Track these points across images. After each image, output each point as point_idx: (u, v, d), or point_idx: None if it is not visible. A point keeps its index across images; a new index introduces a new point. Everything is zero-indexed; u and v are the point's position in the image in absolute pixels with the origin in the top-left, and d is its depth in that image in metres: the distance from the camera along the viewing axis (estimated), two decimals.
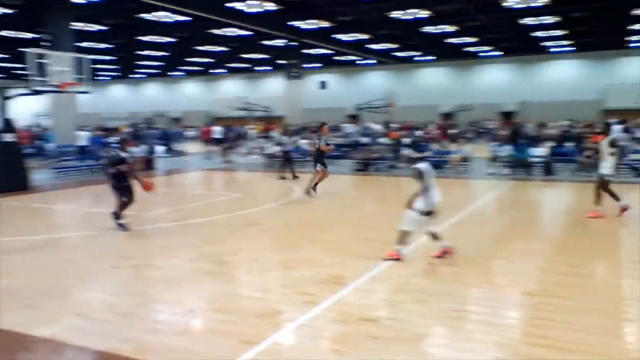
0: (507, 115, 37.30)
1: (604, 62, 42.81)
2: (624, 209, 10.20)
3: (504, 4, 25.01)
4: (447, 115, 46.15)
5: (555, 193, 14.35)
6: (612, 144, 10.21)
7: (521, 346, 4.70)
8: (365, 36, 34.19)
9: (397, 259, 6.99)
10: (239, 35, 32.65)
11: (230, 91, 52.51)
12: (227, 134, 26.19)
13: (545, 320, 5.22)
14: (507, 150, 18.09)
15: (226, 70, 54.95)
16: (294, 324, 5.21)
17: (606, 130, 10.92)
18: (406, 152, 7.23)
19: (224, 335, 5.00)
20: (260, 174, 19.56)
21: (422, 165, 6.87)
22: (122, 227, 9.38)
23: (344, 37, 34.41)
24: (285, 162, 17.90)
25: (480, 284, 6.42)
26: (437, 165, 19.23)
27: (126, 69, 52.84)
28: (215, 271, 7.09)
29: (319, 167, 13.37)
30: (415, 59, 46.22)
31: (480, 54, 43.88)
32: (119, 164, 9.32)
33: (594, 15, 27.78)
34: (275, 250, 8.29)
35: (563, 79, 43.66)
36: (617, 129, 24.27)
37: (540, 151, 18.21)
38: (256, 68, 52.70)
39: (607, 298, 5.81)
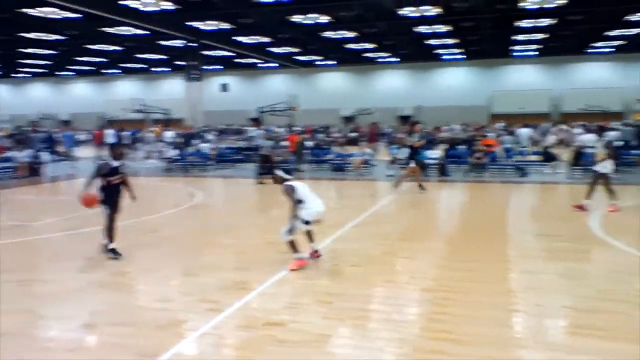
0: (406, 119, 38.88)
1: (492, 69, 45.95)
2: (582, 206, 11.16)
3: (401, 12, 26.07)
4: (348, 119, 47.34)
5: (450, 193, 15.12)
6: (608, 146, 11.40)
7: (422, 341, 4.87)
8: (266, 39, 34.17)
9: (304, 266, 6.98)
10: (134, 35, 31.36)
11: (125, 92, 50.33)
12: (122, 138, 25.01)
13: (443, 315, 5.45)
14: (404, 152, 18.79)
15: (120, 71, 52.57)
16: (197, 333, 5.04)
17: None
18: (277, 172, 7.27)
19: (122, 350, 4.72)
20: (159, 179, 18.84)
21: (292, 183, 7.00)
22: (114, 253, 7.73)
23: (244, 39, 34.16)
24: (265, 165, 17.54)
25: (382, 282, 6.59)
26: (340, 168, 19.68)
27: (8, 67, 48.92)
28: (110, 282, 6.70)
29: (412, 163, 14.33)
30: (317, 63, 46.93)
31: (379, 60, 45.45)
32: (111, 174, 7.77)
33: (482, 26, 29.72)
34: (176, 257, 7.99)
35: (455, 85, 46.35)
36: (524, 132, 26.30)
37: (435, 153, 19.12)
38: (153, 69, 50.91)
39: (497, 291, 6.18)
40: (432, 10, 25.79)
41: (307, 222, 6.96)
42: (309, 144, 24.29)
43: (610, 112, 38.36)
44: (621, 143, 19.79)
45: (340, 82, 50.17)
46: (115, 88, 55.19)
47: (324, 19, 27.80)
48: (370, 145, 23.84)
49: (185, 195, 14.51)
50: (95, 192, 7.70)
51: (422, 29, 30.82)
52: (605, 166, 11.06)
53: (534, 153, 20.80)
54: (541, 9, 25.43)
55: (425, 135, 21.47)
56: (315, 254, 7.35)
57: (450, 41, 35.75)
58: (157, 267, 7.38)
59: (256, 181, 17.03)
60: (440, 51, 40.64)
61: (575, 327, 5.16)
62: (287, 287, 6.40)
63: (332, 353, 4.76)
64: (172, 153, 21.95)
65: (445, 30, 31.12)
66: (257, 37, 33.66)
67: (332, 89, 49.66)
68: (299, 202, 6.89)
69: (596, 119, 37.52)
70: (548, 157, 18.97)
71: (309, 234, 7.27)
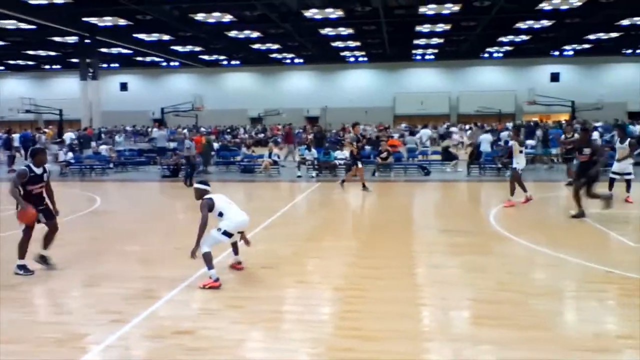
0: (313, 120, 39.29)
1: (395, 72, 47.62)
2: (528, 199, 11.92)
3: (306, 14, 26.30)
4: (256, 120, 47.05)
5: (358, 192, 15.43)
6: (522, 144, 12.35)
7: (334, 339, 4.89)
8: (167, 37, 33.13)
9: (216, 287, 6.49)
10: (20, 29, 29.15)
11: (12, 91, 46.66)
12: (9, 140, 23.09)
13: (355, 313, 5.52)
14: (313, 153, 19.01)
15: (4, 68, 48.71)
16: (100, 347, 4.73)
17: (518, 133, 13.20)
18: (196, 185, 6.97)
19: None
20: (53, 184, 17.59)
21: (211, 197, 6.69)
22: (25, 270, 6.99)
23: (145, 36, 32.93)
24: (189, 168, 16.84)
25: (294, 283, 6.56)
26: (248, 169, 19.48)
27: None
28: (2, 297, 6.14)
29: (359, 164, 14.66)
30: (222, 62, 46.22)
31: (286, 61, 45.58)
32: (32, 182, 6.94)
33: (383, 30, 30.69)
34: (76, 267, 7.48)
35: (361, 86, 47.53)
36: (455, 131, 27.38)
37: (343, 154, 19.46)
38: (45, 66, 47.70)
39: (405, 287, 6.36)
40: (335, 13, 26.27)
41: (229, 235, 6.65)
42: (216, 145, 23.87)
43: (504, 113, 41.05)
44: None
45: (247, 83, 49.77)
46: (1, 86, 51.08)
47: (227, 17, 27.42)
48: (287, 147, 23.92)
49: (84, 201, 13.69)
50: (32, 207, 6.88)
51: (327, 31, 31.32)
52: (519, 162, 11.89)
53: (435, 152, 21.80)
54: (438, 15, 26.70)
55: (332, 135, 21.79)
56: (237, 266, 7.10)
57: (353, 44, 36.63)
58: (54, 278, 6.87)
59: (186, 184, 16.22)
60: (345, 53, 41.54)
61: (478, 318, 5.41)
62: (197, 294, 6.20)
63: (245, 358, 4.66)
64: (68, 156, 20.65)
65: (348, 33, 31.82)
66: (159, 35, 32.56)
67: (238, 89, 49.13)
68: (219, 214, 6.60)
69: (491, 120, 40.06)
70: (448, 156, 19.94)
71: (234, 245, 7.04)
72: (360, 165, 14.65)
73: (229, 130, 38.96)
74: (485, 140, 19.57)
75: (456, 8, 25.17)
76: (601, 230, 9.17)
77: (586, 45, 38.22)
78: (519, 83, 42.63)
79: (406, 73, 47.73)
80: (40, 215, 7.03)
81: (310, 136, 24.28)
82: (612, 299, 5.91)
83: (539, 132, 23.22)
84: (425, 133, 27.84)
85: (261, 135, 38.15)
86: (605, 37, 34.20)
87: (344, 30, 31.12)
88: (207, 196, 6.66)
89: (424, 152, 22.08)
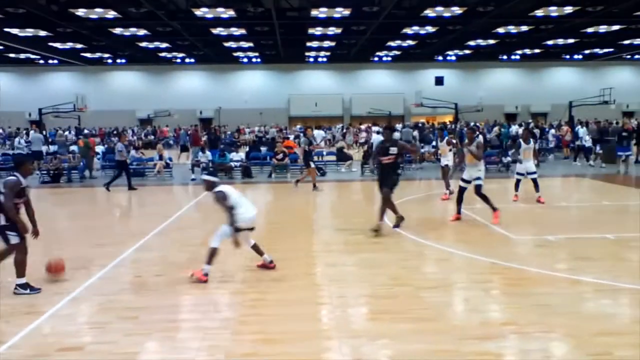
0: (209, 122, 38.45)
1: (289, 73, 47.87)
2: (447, 197, 12.48)
3: (196, 12, 25.65)
4: (145, 121, 45.16)
5: (255, 194, 15.31)
6: (449, 142, 12.71)
7: (234, 345, 4.78)
8: (45, 33, 30.83)
9: (205, 281, 6.38)
10: None
11: None
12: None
13: (254, 316, 5.44)
14: (207, 155, 18.57)
15: None
16: None
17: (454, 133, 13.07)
18: (204, 177, 6.79)
19: None
20: None
21: (223, 188, 6.55)
22: (32, 288, 6.21)
23: (18, 31, 30.40)
24: (122, 173, 15.50)
25: (189, 290, 6.33)
26: (138, 172, 18.62)
27: None
28: None
29: (312, 164, 15.24)
30: (107, 61, 43.81)
31: (176, 60, 44.16)
32: (19, 196, 6.14)
33: (276, 31, 30.72)
34: None
35: (255, 87, 47.21)
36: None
37: (238, 156, 19.24)
38: None
39: (304, 286, 6.38)
40: (226, 13, 25.89)
41: (239, 230, 6.52)
42: (101, 148, 22.60)
43: (394, 115, 42.74)
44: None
45: (135, 82, 47.63)
46: None
47: (111, 14, 26.04)
48: (193, 149, 23.13)
49: None
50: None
51: (219, 30, 30.79)
52: (448, 159, 12.52)
53: (330, 153, 22.21)
54: (329, 18, 27.23)
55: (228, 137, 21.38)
56: (270, 265, 7.00)
57: (246, 44, 36.34)
58: None
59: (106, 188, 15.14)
60: (238, 54, 41.09)
61: (375, 314, 5.55)
62: (85, 306, 5.79)
63: None
64: None
65: (240, 33, 31.51)
66: (34, 30, 30.19)
67: (125, 89, 46.85)
68: (232, 208, 6.45)
69: (382, 121, 41.57)
70: (343, 157, 20.39)
71: (256, 249, 6.95)
72: (312, 166, 15.30)
73: (114, 132, 37.02)
74: (378, 141, 20.23)
75: (347, 12, 25.80)
76: (486, 224, 9.80)
77: (467, 51, 40.86)
78: (407, 86, 44.58)
79: (300, 75, 48.21)
80: (13, 233, 6.15)
81: (205, 137, 23.74)
82: (496, 289, 6.32)
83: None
84: (319, 134, 28.28)
85: (151, 137, 36.71)
86: (484, 43, 36.76)
87: (237, 31, 30.76)
88: (218, 189, 6.56)
89: (319, 153, 22.41)
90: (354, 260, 7.56)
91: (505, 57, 44.17)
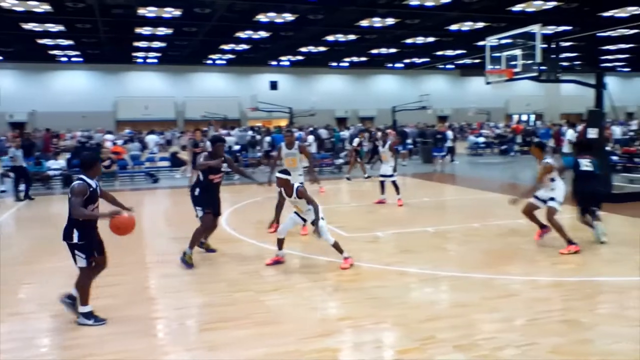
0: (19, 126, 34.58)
1: (116, 75, 44.98)
2: (382, 201, 12.32)
3: (3, 4, 22.92)
4: None
5: None
6: (391, 148, 12.41)
7: None
8: None
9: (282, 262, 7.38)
10: None
11: None
12: None
13: (80, 339, 4.98)
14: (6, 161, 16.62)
15: None
16: None
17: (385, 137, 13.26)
18: (280, 175, 7.38)
19: None
20: None
21: (302, 184, 7.41)
22: (96, 319, 5.38)
23: None
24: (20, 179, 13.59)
25: (4, 317, 5.57)
26: None
27: None
28: None
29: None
30: None
31: None
32: (91, 201, 5.45)
33: (100, 29, 28.68)
34: None
35: (76, 89, 43.52)
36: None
37: (57, 163, 17.59)
38: None
39: (140, 301, 6.00)
40: (41, 7, 23.52)
41: (304, 220, 7.39)
42: None
43: (230, 119, 42.47)
44: (238, 147, 22.08)
45: None
46: None
47: None
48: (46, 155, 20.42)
49: None
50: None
51: (32, 26, 27.84)
52: (390, 164, 12.36)
53: (162, 159, 21.35)
54: (159, 18, 26.17)
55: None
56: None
57: (65, 42, 33.37)
58: None
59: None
60: (56, 52, 37.51)
61: (213, 323, 5.37)
62: None
63: None
64: None
65: (58, 30, 28.86)
66: None
67: None
68: (312, 201, 7.06)
69: (217, 126, 41.04)
70: (177, 162, 19.70)
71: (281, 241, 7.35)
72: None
73: None
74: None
75: (177, 12, 24.99)
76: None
77: (300, 57, 42.12)
78: (242, 90, 44.57)
79: (128, 76, 45.61)
80: (82, 254, 5.40)
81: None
82: (333, 286, 6.53)
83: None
84: (151, 139, 27.07)
85: None
86: (315, 50, 38.21)
87: (53, 27, 28.08)
88: (297, 185, 7.14)
89: (151, 159, 21.41)
90: (191, 269, 7.29)
91: (335, 64, 46.41)
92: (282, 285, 6.55)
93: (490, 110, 43.69)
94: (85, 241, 5.33)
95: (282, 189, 7.29)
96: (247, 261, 7.70)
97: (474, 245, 8.38)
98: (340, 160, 21.27)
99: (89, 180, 5.42)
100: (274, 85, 38.57)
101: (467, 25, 29.42)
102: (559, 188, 7.83)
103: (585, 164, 8.14)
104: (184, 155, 20.35)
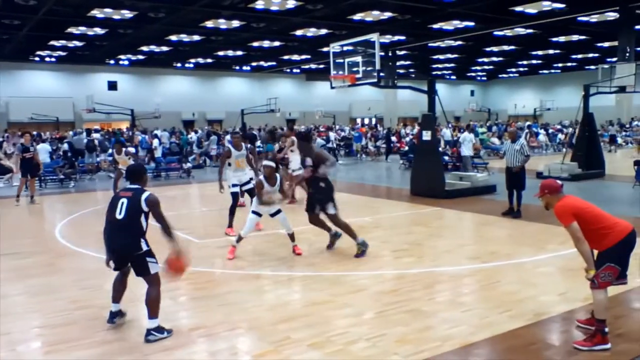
0: None
1: (6, 74, 39.30)
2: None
3: None
4: None
5: None
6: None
7: None
8: None
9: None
10: None
11: None
12: None
13: None
14: None
15: None
16: None
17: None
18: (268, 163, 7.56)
19: None
20: None
21: None
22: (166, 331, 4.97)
23: None
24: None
25: None
26: None
27: None
28: None
29: None
30: None
31: None
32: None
33: None
34: None
35: None
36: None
37: None
38: None
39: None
40: None
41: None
42: None
43: (62, 121, 39.06)
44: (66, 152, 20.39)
45: None
46: None
47: None
48: None
49: None
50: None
51: None
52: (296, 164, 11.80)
53: None
54: None
55: None
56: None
57: None
58: None
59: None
60: None
61: (52, 345, 4.87)
62: None
63: None
64: None
65: None
66: None
67: None
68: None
69: (48, 129, 37.59)
70: (1, 170, 17.69)
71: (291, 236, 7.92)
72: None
73: None
74: (44, 150, 18.21)
75: None
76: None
77: (141, 57, 40.06)
78: (76, 90, 41.13)
79: (21, 75, 40.02)
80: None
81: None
82: (185, 295, 6.29)
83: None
84: None
85: None
86: (158, 50, 36.60)
87: None
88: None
89: None
90: (22, 288, 6.57)
91: (180, 64, 45.03)
92: (129, 298, 6.11)
93: (336, 114, 45.59)
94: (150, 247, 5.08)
95: (265, 179, 7.62)
96: (88, 276, 7.08)
97: (323, 245, 8.63)
98: (189, 165, 20.71)
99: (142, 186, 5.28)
100: (112, 86, 36.42)
101: (311, 32, 30.37)
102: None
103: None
104: (8, 162, 18.22)
